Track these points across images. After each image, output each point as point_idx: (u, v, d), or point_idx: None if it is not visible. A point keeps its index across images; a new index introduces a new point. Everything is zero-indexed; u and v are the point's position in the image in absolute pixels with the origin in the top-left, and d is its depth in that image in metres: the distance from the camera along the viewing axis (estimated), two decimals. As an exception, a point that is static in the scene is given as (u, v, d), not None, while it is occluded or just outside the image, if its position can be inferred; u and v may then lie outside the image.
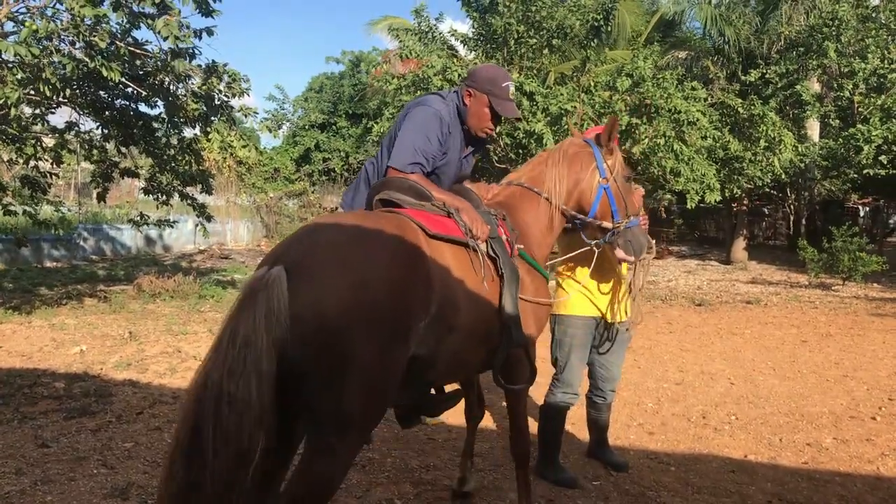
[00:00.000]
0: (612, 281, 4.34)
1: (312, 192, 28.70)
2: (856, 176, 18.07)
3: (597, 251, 3.86)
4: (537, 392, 5.56)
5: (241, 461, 2.20)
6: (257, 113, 10.19)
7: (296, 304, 2.25)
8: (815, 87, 19.48)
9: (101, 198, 10.51)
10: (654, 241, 4.23)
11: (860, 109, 17.94)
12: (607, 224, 3.68)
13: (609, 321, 4.39)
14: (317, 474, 2.38)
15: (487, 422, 5.48)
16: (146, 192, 10.55)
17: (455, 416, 4.62)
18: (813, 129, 20.26)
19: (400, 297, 2.48)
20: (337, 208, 3.63)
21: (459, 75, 13.42)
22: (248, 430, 2.18)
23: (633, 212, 3.75)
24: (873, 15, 18.60)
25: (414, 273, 2.59)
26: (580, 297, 4.36)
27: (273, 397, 2.22)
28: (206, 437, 2.16)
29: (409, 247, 2.65)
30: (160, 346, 7.79)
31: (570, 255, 4.11)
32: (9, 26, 7.63)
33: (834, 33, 17.52)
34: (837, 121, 19.36)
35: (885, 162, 16.44)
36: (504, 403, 4.00)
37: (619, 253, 3.78)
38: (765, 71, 18.94)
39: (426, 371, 2.78)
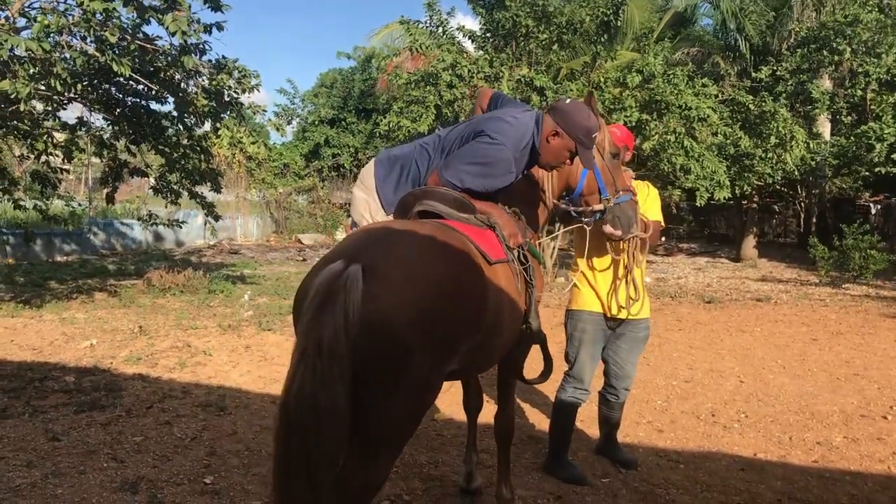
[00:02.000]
0: (614, 276, 4.32)
1: (322, 188, 28.76)
2: (868, 174, 17.95)
3: (588, 229, 3.84)
4: (549, 388, 5.55)
5: (332, 467, 2.28)
6: (266, 110, 10.22)
7: (368, 309, 2.25)
8: (827, 84, 19.36)
9: (110, 199, 10.53)
10: (660, 223, 4.20)
11: (872, 107, 17.81)
12: (596, 203, 3.65)
13: (621, 317, 4.36)
14: (363, 480, 2.42)
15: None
16: (156, 191, 10.59)
17: (464, 412, 4.61)
18: (824, 126, 20.13)
19: (460, 320, 2.53)
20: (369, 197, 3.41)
21: (469, 70, 13.39)
22: (338, 436, 2.24)
23: (623, 188, 3.70)
24: (888, 13, 18.45)
25: (474, 300, 2.64)
26: (591, 292, 4.36)
27: (350, 402, 2.26)
28: (311, 448, 2.22)
29: (477, 273, 2.70)
30: (170, 340, 7.82)
31: (564, 230, 4.11)
32: (21, 21, 7.66)
33: (849, 33, 17.38)
34: (849, 118, 19.22)
35: (898, 160, 16.34)
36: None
37: (608, 228, 3.72)
38: (776, 68, 18.82)
39: (452, 378, 2.88)
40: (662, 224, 4.48)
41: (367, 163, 3.51)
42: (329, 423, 2.20)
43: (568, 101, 3.27)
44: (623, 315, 4.32)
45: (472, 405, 4.05)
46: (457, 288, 2.53)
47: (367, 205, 3.33)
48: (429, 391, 2.52)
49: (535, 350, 3.48)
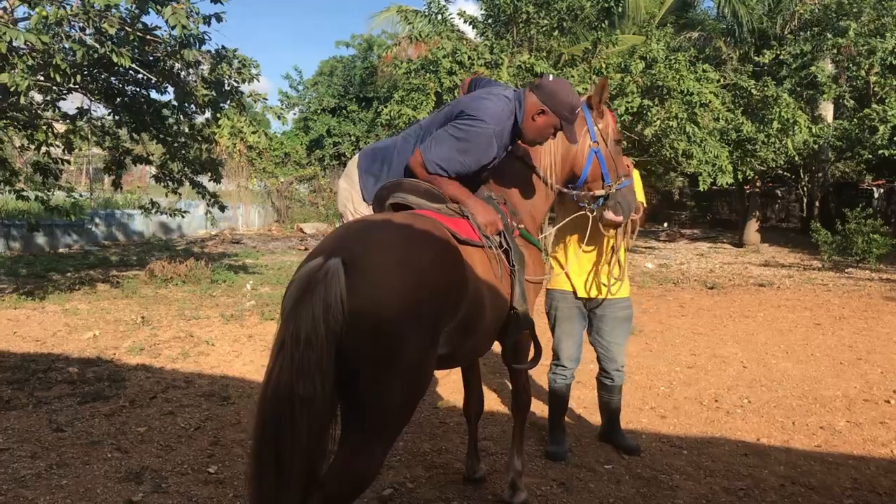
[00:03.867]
0: (596, 258, 4.34)
1: (323, 177, 28.73)
2: (870, 157, 17.89)
3: (591, 216, 3.87)
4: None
5: (316, 458, 2.30)
6: (266, 99, 10.19)
7: (354, 299, 2.28)
8: (830, 67, 19.25)
9: (117, 185, 10.57)
10: (643, 204, 4.20)
11: (875, 90, 17.72)
12: (599, 192, 3.71)
13: (594, 296, 4.43)
14: (353, 471, 2.41)
15: (499, 406, 5.49)
16: (157, 179, 10.59)
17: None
18: (827, 110, 20.05)
19: (443, 301, 2.56)
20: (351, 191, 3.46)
21: (469, 57, 13.35)
22: (317, 427, 2.26)
23: (623, 173, 3.75)
24: None
25: (454, 279, 2.67)
26: (561, 272, 4.46)
27: (334, 393, 2.29)
28: (285, 439, 2.24)
29: (453, 253, 2.74)
30: (172, 330, 7.83)
31: (566, 220, 4.12)
32: (19, 13, 7.63)
33: (854, 10, 17.27)
34: (852, 101, 19.14)
35: (901, 143, 16.27)
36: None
37: (609, 214, 3.77)
38: (778, 52, 18.72)
39: (445, 365, 2.91)
40: (645, 204, 4.52)
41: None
42: (306, 414, 2.22)
43: (552, 78, 3.29)
44: (594, 294, 4.40)
45: (473, 410, 4.04)
46: (435, 268, 2.56)
47: (351, 196, 3.38)
48: (421, 375, 2.54)
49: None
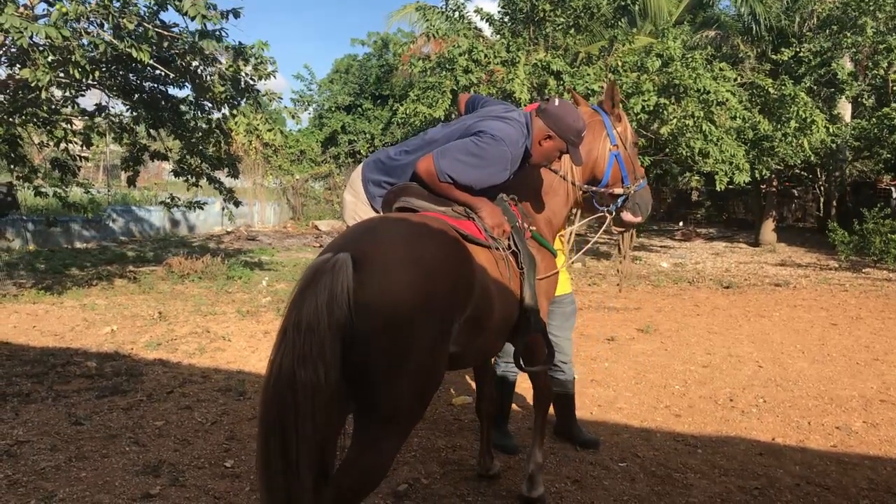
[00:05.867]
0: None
1: (338, 175, 28.79)
2: (889, 156, 17.71)
3: (609, 217, 3.94)
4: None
5: (327, 452, 2.31)
6: (281, 98, 10.23)
7: (363, 293, 2.30)
8: (849, 65, 19.08)
9: (132, 182, 10.64)
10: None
11: (895, 88, 17.55)
12: (618, 190, 3.80)
13: None
14: (364, 465, 2.43)
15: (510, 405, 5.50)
16: (176, 174, 10.65)
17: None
18: (845, 109, 19.88)
19: (452, 297, 2.57)
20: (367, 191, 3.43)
21: (485, 55, 13.33)
22: (324, 419, 2.26)
23: (640, 175, 3.86)
24: None
25: (462, 276, 2.68)
26: None
27: (339, 382, 2.28)
28: (289, 426, 2.23)
29: (461, 250, 2.76)
30: (189, 326, 7.89)
31: (583, 222, 4.17)
32: (39, 9, 7.71)
33: (871, 8, 17.11)
34: (871, 100, 18.95)
35: (921, 142, 16.12)
36: (526, 384, 4.04)
37: (627, 216, 3.87)
38: (798, 49, 18.56)
39: (455, 364, 2.90)
40: None
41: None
42: (309, 402, 2.22)
43: (556, 102, 3.32)
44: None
45: (485, 409, 4.07)
46: (444, 265, 2.57)
47: (356, 207, 3.40)
48: (430, 372, 2.53)
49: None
